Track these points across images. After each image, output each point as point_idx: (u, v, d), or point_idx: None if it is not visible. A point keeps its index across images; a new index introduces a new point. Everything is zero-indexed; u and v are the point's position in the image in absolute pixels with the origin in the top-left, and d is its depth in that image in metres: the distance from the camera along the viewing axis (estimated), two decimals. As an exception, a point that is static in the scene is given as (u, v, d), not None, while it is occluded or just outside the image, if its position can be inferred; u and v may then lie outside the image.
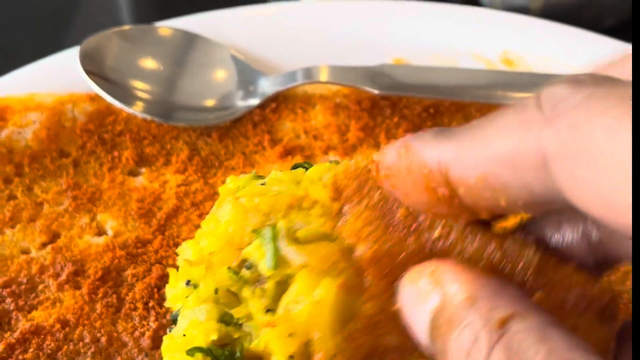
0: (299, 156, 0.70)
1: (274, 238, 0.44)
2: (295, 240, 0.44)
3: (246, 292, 0.44)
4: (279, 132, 0.73)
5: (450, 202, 0.36)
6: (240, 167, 0.70)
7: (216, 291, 0.44)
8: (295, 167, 0.52)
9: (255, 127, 0.73)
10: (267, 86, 0.74)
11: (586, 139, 0.30)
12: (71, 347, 0.58)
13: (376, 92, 0.72)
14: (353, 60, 0.76)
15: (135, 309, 0.60)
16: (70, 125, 0.71)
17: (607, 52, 0.76)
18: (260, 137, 0.72)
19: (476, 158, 0.35)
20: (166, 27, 0.76)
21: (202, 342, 0.43)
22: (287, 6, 0.82)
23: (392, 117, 0.73)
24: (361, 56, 0.77)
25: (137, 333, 0.59)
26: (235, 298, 0.44)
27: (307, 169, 0.50)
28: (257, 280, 0.44)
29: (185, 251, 0.48)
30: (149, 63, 0.73)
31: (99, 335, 0.59)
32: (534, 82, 0.72)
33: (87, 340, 0.59)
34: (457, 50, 0.77)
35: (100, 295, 0.61)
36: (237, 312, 0.43)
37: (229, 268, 0.44)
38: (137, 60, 0.73)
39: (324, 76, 0.73)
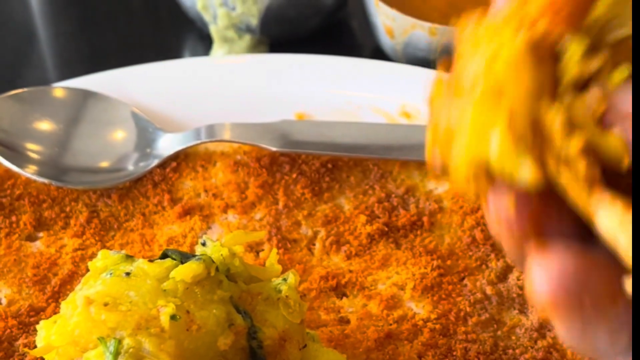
0: (198, 216, 0.71)
1: (116, 353, 0.46)
2: None
3: None
4: (180, 191, 0.73)
5: None
6: (139, 228, 0.70)
7: None
8: (164, 255, 0.53)
9: (155, 186, 0.73)
10: (169, 145, 0.74)
11: None
12: (-42, 422, 0.58)
13: (274, 149, 0.73)
14: (256, 116, 0.77)
15: (25, 380, 0.60)
16: (-32, 191, 0.71)
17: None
18: (160, 197, 0.72)
19: None
20: (65, 87, 0.76)
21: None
22: (191, 62, 0.82)
23: (291, 173, 0.73)
24: (264, 111, 0.78)
25: (24, 406, 0.59)
26: None
27: (176, 259, 0.52)
28: None
29: (40, 332, 0.49)
30: (43, 125, 0.74)
31: (-14, 409, 0.59)
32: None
33: (-26, 414, 0.58)
34: (358, 104, 0.78)
35: (-10, 367, 0.61)
36: None
37: (68, 366, 0.45)
38: (32, 123, 0.73)
39: (227, 134, 0.74)
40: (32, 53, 0.97)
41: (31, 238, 0.70)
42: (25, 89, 0.74)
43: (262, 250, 0.69)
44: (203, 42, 0.96)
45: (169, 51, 0.97)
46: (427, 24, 0.80)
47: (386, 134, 0.74)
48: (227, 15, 0.87)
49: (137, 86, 0.79)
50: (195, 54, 0.97)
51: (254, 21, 0.87)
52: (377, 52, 0.92)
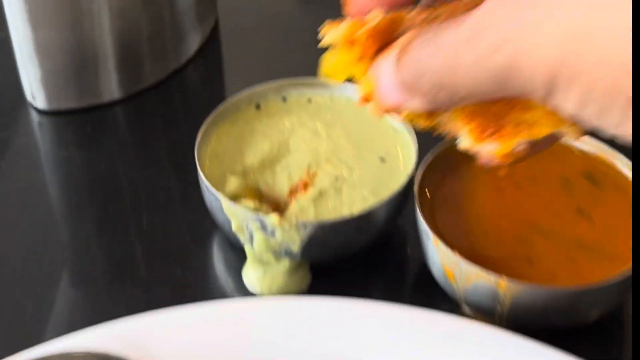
0: None
1: None
2: None
3: None
4: None
5: None
6: None
7: None
8: None
9: None
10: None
11: None
12: None
13: None
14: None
15: None
16: None
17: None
18: None
19: None
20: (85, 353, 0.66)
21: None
22: (221, 308, 0.72)
23: None
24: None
25: None
26: None
27: None
28: None
29: None
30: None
31: None
32: None
33: None
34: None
35: None
36: None
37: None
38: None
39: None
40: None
41: None
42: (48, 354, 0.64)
43: None
44: (234, 252, 0.87)
45: (196, 261, 0.88)
46: (494, 277, 0.70)
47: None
48: (265, 240, 0.78)
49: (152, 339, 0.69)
50: (226, 264, 0.87)
51: (295, 248, 0.78)
52: (424, 271, 0.82)
